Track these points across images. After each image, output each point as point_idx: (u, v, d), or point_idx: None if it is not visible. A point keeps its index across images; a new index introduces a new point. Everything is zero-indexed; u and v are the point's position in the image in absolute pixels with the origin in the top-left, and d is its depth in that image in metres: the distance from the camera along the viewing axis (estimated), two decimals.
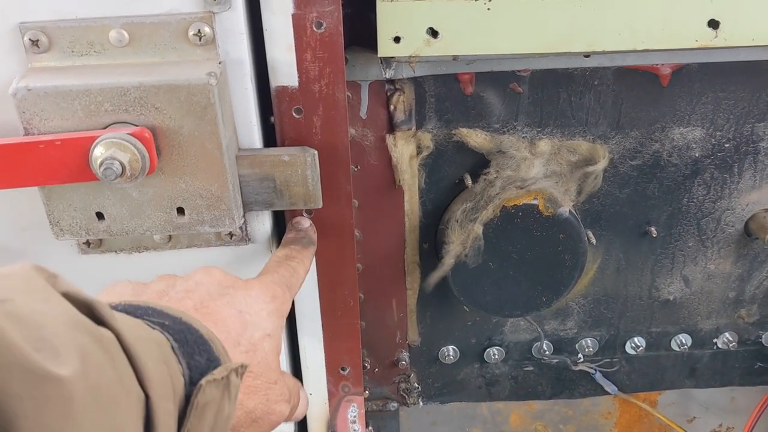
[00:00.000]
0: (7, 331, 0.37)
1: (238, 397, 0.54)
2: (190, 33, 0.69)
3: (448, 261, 0.90)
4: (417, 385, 1.10)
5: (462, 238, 0.89)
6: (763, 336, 1.07)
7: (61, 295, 0.44)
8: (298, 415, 0.70)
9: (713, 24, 0.75)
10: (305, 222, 0.81)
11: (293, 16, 0.70)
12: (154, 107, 0.67)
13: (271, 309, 0.65)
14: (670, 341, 1.08)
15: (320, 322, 0.89)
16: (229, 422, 0.53)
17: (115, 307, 0.52)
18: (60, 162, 0.67)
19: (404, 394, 1.10)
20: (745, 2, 0.74)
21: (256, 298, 0.64)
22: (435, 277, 0.93)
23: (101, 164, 0.65)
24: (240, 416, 0.58)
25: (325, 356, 0.92)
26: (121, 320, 0.46)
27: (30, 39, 0.68)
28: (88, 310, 0.45)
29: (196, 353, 0.51)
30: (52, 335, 0.40)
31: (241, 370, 0.53)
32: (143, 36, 0.69)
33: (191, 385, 0.49)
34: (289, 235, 0.80)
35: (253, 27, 0.72)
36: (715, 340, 1.08)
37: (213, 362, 0.52)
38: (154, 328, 0.50)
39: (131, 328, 0.46)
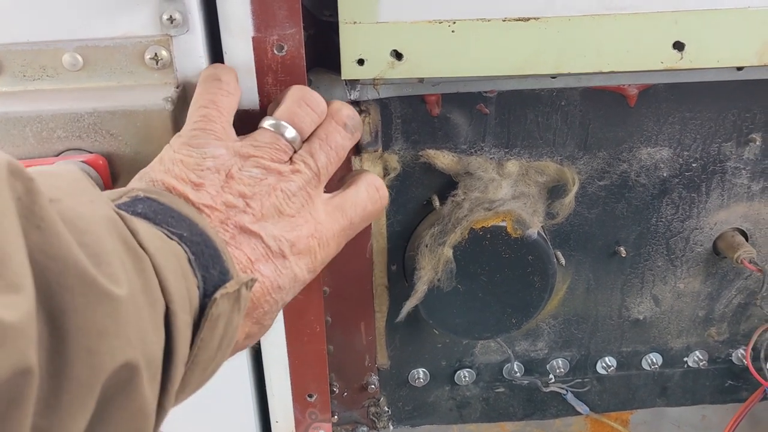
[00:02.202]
0: (65, 233, 0.38)
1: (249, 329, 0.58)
2: (147, 57, 0.67)
3: (422, 288, 0.88)
4: (387, 409, 1.08)
5: (433, 263, 0.87)
6: (733, 354, 1.07)
7: (104, 198, 0.47)
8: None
9: (678, 46, 0.75)
10: None
11: (253, 39, 0.68)
12: (109, 133, 0.66)
13: (307, 263, 0.64)
14: (640, 360, 1.07)
15: (285, 349, 0.87)
16: (236, 332, 0.55)
17: (136, 207, 0.53)
18: None
19: (374, 418, 1.08)
20: (710, 25, 0.74)
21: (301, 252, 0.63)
22: (409, 305, 0.91)
23: None
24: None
25: (291, 383, 0.90)
26: (143, 232, 0.47)
27: None
28: (125, 221, 0.47)
29: (211, 266, 0.52)
30: (98, 247, 0.41)
31: (250, 284, 0.55)
32: (98, 60, 0.67)
33: (205, 297, 0.51)
34: None
35: (213, 50, 0.71)
36: (685, 359, 1.07)
37: (225, 275, 0.53)
38: (172, 239, 0.51)
39: (152, 240, 0.48)
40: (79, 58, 0.67)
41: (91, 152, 0.66)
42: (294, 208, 0.62)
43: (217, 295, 0.50)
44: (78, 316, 0.38)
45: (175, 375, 0.47)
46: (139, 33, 0.66)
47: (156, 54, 0.67)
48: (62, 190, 0.43)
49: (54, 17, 0.66)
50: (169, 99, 0.65)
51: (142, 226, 0.48)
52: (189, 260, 0.51)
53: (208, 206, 0.58)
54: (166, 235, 0.51)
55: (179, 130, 0.66)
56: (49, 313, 0.37)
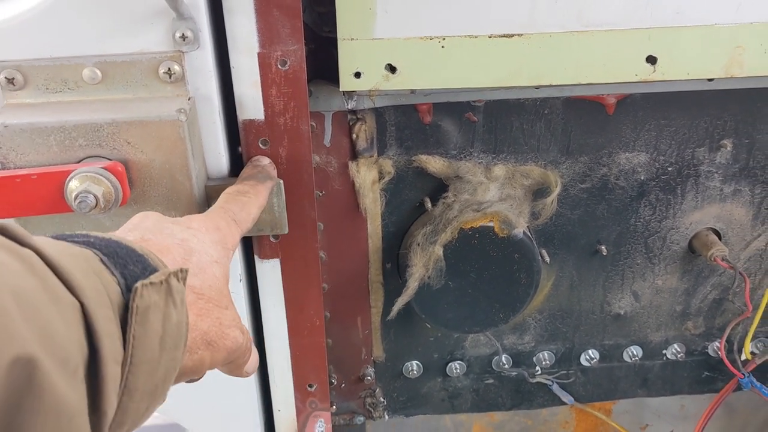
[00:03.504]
0: None
1: (186, 309, 0.53)
2: (161, 71, 0.72)
3: (413, 285, 0.94)
4: (382, 399, 1.14)
5: (424, 261, 0.93)
6: (709, 346, 1.13)
7: None
8: (250, 368, 0.67)
9: (651, 60, 0.81)
10: (264, 159, 0.80)
11: (259, 54, 0.74)
12: (126, 142, 0.71)
13: (215, 239, 0.64)
14: (622, 353, 1.13)
15: (287, 342, 0.93)
16: (181, 331, 0.51)
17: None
18: (36, 195, 0.70)
19: (370, 408, 1.14)
20: (680, 40, 0.80)
21: (198, 230, 0.63)
22: (400, 302, 0.96)
23: (76, 197, 0.69)
24: (194, 337, 0.57)
25: (293, 374, 0.96)
26: (40, 240, 0.45)
27: (5, 77, 0.72)
28: (2, 231, 0.44)
29: (130, 263, 0.50)
30: None
31: (181, 275, 0.52)
32: (116, 74, 0.73)
33: (129, 292, 0.48)
34: (246, 171, 0.78)
35: (221, 64, 0.76)
36: (664, 352, 1.14)
37: (149, 270, 0.50)
38: (79, 245, 0.49)
39: (52, 245, 0.45)
40: (98, 72, 0.72)
41: (110, 159, 0.71)
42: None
43: (138, 284, 0.47)
44: None
45: (107, 374, 0.44)
46: (154, 49, 0.72)
47: (169, 69, 0.72)
48: None
49: (75, 34, 0.71)
50: (182, 110, 0.70)
51: (40, 238, 0.46)
52: (101, 260, 0.48)
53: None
54: (71, 243, 0.49)
55: (191, 139, 0.72)
56: None
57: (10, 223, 0.44)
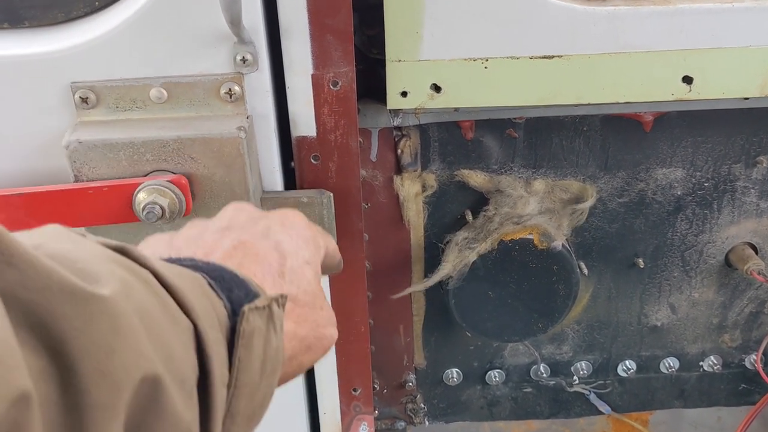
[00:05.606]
0: (43, 260, 0.36)
1: (287, 328, 0.54)
2: (222, 91, 0.78)
3: (434, 279, 0.98)
4: (423, 406, 1.17)
5: (455, 262, 0.97)
6: (746, 359, 1.15)
7: (91, 238, 0.46)
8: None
9: (687, 80, 0.84)
10: None
11: (312, 76, 0.79)
12: (190, 157, 0.76)
13: (307, 236, 0.65)
14: (659, 364, 1.15)
15: (334, 347, 0.97)
16: (279, 356, 0.52)
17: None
18: (106, 205, 0.76)
19: (411, 414, 1.18)
20: (716, 60, 0.83)
21: (292, 225, 0.64)
22: (413, 288, 1.02)
23: (144, 208, 0.74)
24: (294, 345, 0.58)
25: (338, 378, 1.00)
26: (156, 262, 0.46)
27: (80, 97, 0.78)
28: (121, 252, 0.45)
29: (235, 288, 0.51)
30: (88, 266, 0.39)
31: (281, 300, 0.53)
32: (180, 94, 0.78)
33: (234, 316, 0.49)
34: None
35: (276, 84, 0.81)
36: (701, 363, 1.15)
37: (251, 295, 0.51)
38: (188, 269, 0.50)
39: (167, 267, 0.46)
40: (164, 92, 0.78)
41: (174, 173, 0.77)
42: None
43: (245, 308, 0.48)
44: (80, 338, 0.36)
45: (216, 397, 0.45)
46: (216, 71, 0.77)
47: (230, 89, 0.77)
48: (46, 237, 0.42)
49: (143, 58, 0.77)
50: (242, 128, 0.76)
51: (154, 258, 0.46)
52: (209, 284, 0.49)
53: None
54: (180, 266, 0.50)
55: (249, 155, 0.77)
56: (51, 347, 0.35)
57: (129, 245, 0.46)
